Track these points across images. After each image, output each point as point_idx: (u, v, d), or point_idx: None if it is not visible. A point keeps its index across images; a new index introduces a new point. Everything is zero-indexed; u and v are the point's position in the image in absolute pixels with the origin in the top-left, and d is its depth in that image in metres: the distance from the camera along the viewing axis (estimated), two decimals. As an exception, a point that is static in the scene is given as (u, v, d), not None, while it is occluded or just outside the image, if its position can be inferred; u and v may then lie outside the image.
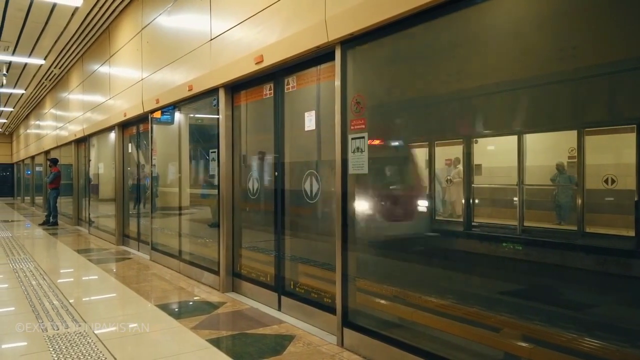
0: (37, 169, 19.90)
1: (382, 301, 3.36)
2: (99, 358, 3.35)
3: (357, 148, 3.45)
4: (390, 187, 3.60)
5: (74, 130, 12.38)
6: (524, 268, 2.58)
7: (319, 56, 3.93)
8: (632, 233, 2.41)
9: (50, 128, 15.80)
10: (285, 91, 4.50)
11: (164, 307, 4.72)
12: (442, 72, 3.07)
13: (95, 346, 3.58)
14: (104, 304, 5.11)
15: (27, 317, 4.30)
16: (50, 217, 12.89)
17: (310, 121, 4.20)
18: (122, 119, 8.57)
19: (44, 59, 11.98)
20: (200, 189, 6.53)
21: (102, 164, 10.89)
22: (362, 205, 3.58)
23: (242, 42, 4.75)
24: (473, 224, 3.35)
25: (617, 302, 2.28)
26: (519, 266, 2.61)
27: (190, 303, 5.00)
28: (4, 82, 12.92)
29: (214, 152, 5.50)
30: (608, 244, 2.77)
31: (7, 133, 28.20)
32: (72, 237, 10.63)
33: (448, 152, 4.32)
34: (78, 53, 11.48)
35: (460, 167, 4.04)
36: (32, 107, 19.20)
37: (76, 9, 8.46)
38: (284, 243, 4.56)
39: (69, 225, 13.26)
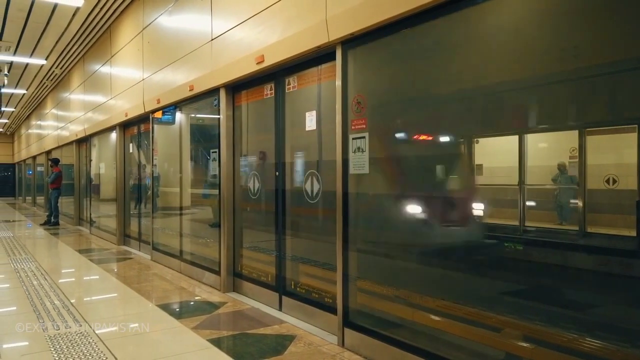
0: (39, 169, 19.94)
1: (388, 303, 3.36)
2: (99, 358, 3.35)
3: (358, 148, 3.45)
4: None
5: (75, 130, 12.39)
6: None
7: (320, 56, 3.93)
8: None
9: (52, 128, 15.82)
10: (286, 91, 4.50)
11: (165, 307, 4.72)
12: (442, 72, 3.06)
13: (96, 346, 3.58)
14: (105, 304, 5.11)
15: (28, 317, 4.31)
16: (52, 217, 12.91)
17: (311, 121, 4.20)
18: (123, 119, 8.57)
19: (45, 59, 11.99)
20: (201, 189, 6.54)
21: (103, 164, 10.90)
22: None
23: (243, 42, 4.75)
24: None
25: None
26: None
27: (191, 303, 5.00)
28: (6, 82, 12.94)
29: (215, 152, 5.50)
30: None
31: (8, 133, 28.24)
32: (73, 237, 10.64)
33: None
34: (79, 53, 11.50)
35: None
36: (33, 107, 19.23)
37: (77, 9, 8.47)
38: (284, 243, 4.56)
39: (70, 225, 13.28)
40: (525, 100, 2.66)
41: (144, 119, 7.95)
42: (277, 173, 4.61)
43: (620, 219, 2.87)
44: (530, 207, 3.65)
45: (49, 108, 16.40)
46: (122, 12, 8.63)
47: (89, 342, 3.66)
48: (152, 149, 7.54)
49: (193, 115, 6.69)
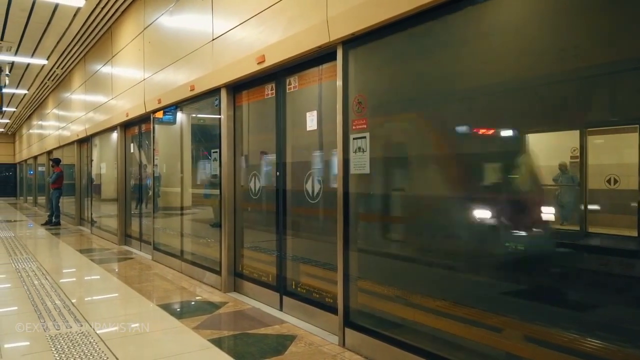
0: (40, 169, 19.96)
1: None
2: (100, 358, 3.36)
3: (359, 148, 3.45)
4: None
5: (77, 130, 12.41)
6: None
7: (321, 56, 3.93)
8: None
9: (53, 128, 15.84)
10: (287, 91, 4.50)
11: (166, 307, 4.73)
12: (443, 72, 3.06)
13: (97, 346, 3.59)
14: (106, 304, 5.12)
15: (30, 317, 4.31)
16: (53, 217, 12.92)
17: (312, 121, 4.20)
18: (125, 119, 8.58)
19: (47, 59, 12.01)
20: (202, 188, 6.54)
21: (104, 164, 10.91)
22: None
23: (244, 42, 4.75)
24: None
25: None
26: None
27: (192, 303, 5.00)
28: (7, 82, 12.96)
29: (216, 152, 5.51)
30: None
31: (9, 133, 28.28)
32: (74, 237, 10.65)
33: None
34: (80, 53, 11.51)
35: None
36: (34, 107, 19.25)
37: (78, 9, 8.48)
38: (285, 243, 4.56)
39: (72, 225, 13.30)
40: (525, 101, 2.65)
41: (145, 119, 7.96)
42: (277, 173, 4.61)
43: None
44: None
45: (50, 108, 16.42)
46: (123, 12, 8.64)
47: (90, 342, 3.67)
48: (153, 149, 7.54)
49: (194, 115, 6.69)
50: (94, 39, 10.31)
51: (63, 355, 3.39)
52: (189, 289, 5.55)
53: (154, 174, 7.59)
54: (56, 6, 8.37)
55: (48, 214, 13.57)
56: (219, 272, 5.39)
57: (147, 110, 7.46)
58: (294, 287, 4.41)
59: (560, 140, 2.79)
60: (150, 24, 7.33)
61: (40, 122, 18.66)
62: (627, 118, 2.37)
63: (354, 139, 3.50)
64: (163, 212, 7.54)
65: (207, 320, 4.28)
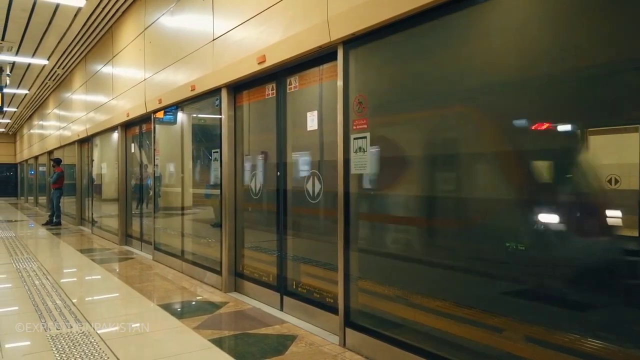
0: (41, 169, 19.98)
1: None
2: (101, 358, 3.36)
3: (359, 148, 3.45)
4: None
5: (77, 130, 12.42)
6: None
7: (322, 56, 3.93)
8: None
9: (54, 128, 15.86)
10: (288, 91, 4.50)
11: (167, 307, 4.73)
12: (443, 72, 3.06)
13: (98, 346, 3.59)
14: (106, 304, 5.12)
15: (30, 317, 4.32)
16: (54, 217, 12.94)
17: (312, 121, 4.20)
18: (125, 119, 8.59)
19: (47, 59, 12.02)
20: (203, 188, 6.54)
21: (105, 164, 10.92)
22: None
23: (245, 42, 4.76)
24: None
25: None
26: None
27: (193, 303, 5.00)
28: (8, 82, 12.97)
29: (217, 152, 5.51)
30: None
31: (10, 133, 28.31)
32: (75, 237, 10.66)
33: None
34: (81, 53, 11.52)
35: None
36: (35, 107, 19.27)
37: (79, 9, 8.49)
38: (286, 243, 4.56)
39: (72, 225, 13.31)
40: (524, 100, 2.65)
41: (145, 119, 7.96)
42: (278, 173, 4.61)
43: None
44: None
45: (51, 108, 16.44)
46: (123, 12, 8.65)
47: (91, 342, 3.67)
48: (154, 149, 7.55)
49: (195, 115, 6.70)
50: (94, 39, 10.32)
51: (64, 355, 3.39)
52: (190, 289, 5.55)
53: (154, 174, 7.60)
54: (57, 6, 8.38)
55: (49, 214, 13.59)
56: (219, 272, 5.39)
57: (147, 110, 7.46)
58: (294, 287, 4.41)
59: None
60: (151, 24, 7.34)
61: (41, 122, 18.68)
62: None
63: (354, 139, 3.50)
64: (164, 212, 7.54)
65: (208, 320, 4.28)
